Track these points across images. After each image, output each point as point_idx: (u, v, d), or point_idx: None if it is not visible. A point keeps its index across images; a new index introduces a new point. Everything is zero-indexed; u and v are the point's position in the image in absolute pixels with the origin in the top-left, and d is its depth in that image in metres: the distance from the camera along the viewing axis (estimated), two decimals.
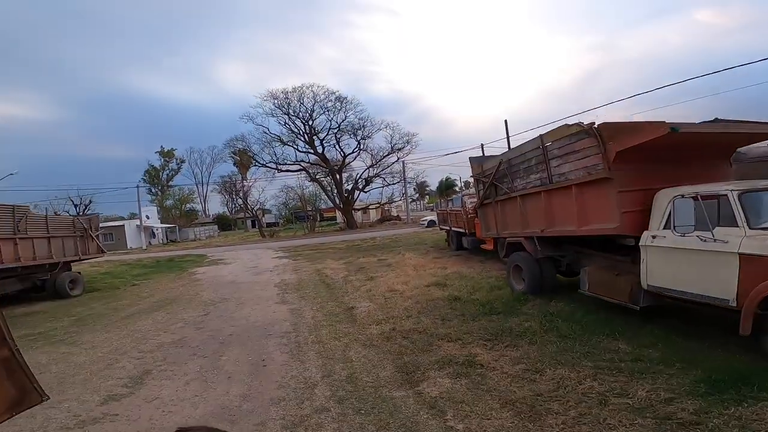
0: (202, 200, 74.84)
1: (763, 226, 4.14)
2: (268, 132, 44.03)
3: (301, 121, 43.66)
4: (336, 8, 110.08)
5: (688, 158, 5.66)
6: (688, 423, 3.08)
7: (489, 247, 12.43)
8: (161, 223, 56.58)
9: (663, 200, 5.00)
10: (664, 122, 4.81)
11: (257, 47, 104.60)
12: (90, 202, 49.86)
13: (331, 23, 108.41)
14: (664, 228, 4.90)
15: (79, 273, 14.61)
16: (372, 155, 45.15)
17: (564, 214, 6.59)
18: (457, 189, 55.28)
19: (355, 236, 32.14)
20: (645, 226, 5.17)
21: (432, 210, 50.47)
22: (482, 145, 30.17)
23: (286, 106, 42.71)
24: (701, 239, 4.31)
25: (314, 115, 43.29)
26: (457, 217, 15.85)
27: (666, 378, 3.87)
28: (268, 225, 56.38)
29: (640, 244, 5.13)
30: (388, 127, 44.50)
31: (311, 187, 50.63)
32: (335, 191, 46.21)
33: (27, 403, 2.03)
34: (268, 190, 63.16)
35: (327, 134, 44.09)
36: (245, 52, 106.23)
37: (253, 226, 58.43)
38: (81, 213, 43.48)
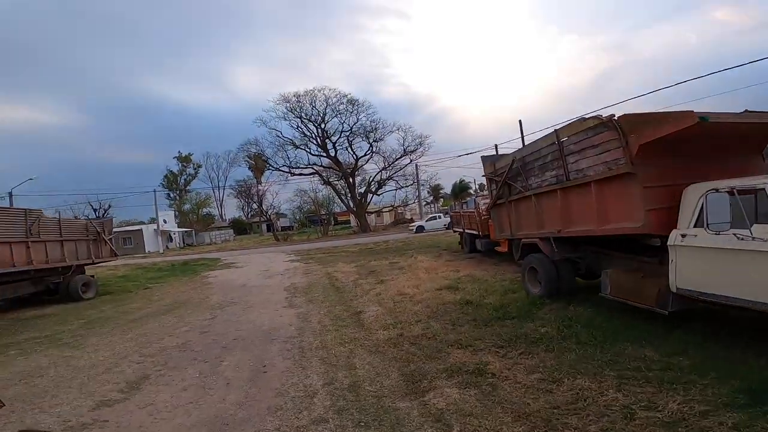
0: (218, 205, 75.87)
1: None
2: (280, 136, 44.37)
3: (314, 125, 43.87)
4: (347, 11, 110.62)
5: (717, 151, 5.24)
6: None
7: (503, 249, 12.01)
8: (178, 227, 57.41)
9: (693, 196, 4.59)
10: (691, 112, 4.43)
11: (270, 52, 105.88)
12: (109, 206, 50.89)
13: (342, 27, 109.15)
14: (694, 226, 4.49)
15: (93, 276, 14.68)
16: (384, 158, 45.05)
17: (582, 212, 6.21)
18: (471, 192, 54.70)
19: (368, 239, 31.93)
20: (672, 225, 4.76)
21: (445, 213, 50.02)
22: (496, 145, 29.60)
23: (298, 110, 43.00)
24: (738, 237, 3.90)
25: (326, 118, 43.48)
26: (470, 219, 15.48)
27: (700, 389, 3.49)
28: (283, 229, 56.70)
29: (668, 243, 4.72)
30: (400, 130, 44.38)
31: (324, 191, 50.73)
32: (348, 194, 46.14)
33: None
34: (282, 194, 63.57)
35: (339, 137, 44.20)
36: (258, 56, 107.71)
37: (268, 230, 58.77)
38: (99, 217, 44.31)
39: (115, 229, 42.80)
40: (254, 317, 8.47)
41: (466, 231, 16.09)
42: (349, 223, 55.90)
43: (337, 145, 44.57)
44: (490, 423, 3.28)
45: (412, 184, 46.21)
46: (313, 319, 7.81)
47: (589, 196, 5.94)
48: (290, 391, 4.38)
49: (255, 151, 47.24)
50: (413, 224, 38.43)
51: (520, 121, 28.60)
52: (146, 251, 45.00)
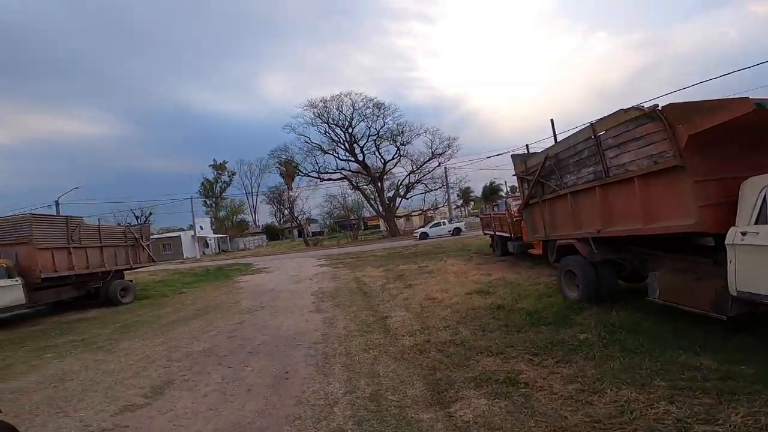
0: (251, 211, 77.80)
1: None
2: (309, 141, 45.02)
3: (341, 129, 44.26)
4: (370, 16, 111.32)
5: None
6: None
7: (537, 251, 11.47)
8: (214, 233, 59.27)
9: (753, 190, 4.10)
10: (747, 98, 3.98)
11: (297, 58, 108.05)
12: (150, 214, 53.17)
13: (366, 31, 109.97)
14: (756, 223, 4.00)
15: (131, 281, 15.18)
16: (412, 161, 44.81)
17: (625, 210, 5.73)
18: (502, 194, 53.48)
19: (397, 244, 31.69)
20: (729, 222, 4.27)
21: (476, 216, 49.04)
22: (527, 145, 28.66)
23: (325, 115, 43.54)
24: None
25: (353, 122, 43.77)
26: (502, 221, 14.97)
27: (766, 399, 3.07)
28: (314, 234, 57.44)
29: (726, 242, 4.22)
30: (427, 132, 44.04)
31: (353, 196, 50.99)
32: (377, 199, 46.14)
33: None
34: (312, 199, 64.47)
35: (367, 141, 44.36)
36: (286, 63, 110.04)
37: (299, 235, 59.69)
38: (140, 224, 46.34)
39: (155, 236, 44.75)
40: (281, 322, 8.40)
41: (498, 233, 15.58)
42: (379, 228, 55.95)
43: (364, 149, 44.82)
44: None
45: (441, 187, 45.71)
46: (338, 324, 7.64)
47: (632, 192, 5.47)
48: (310, 399, 4.20)
49: (285, 157, 48.17)
50: (417, 231, 37.72)
51: (551, 120, 27.62)
52: (184, 257, 46.65)
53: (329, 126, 44.18)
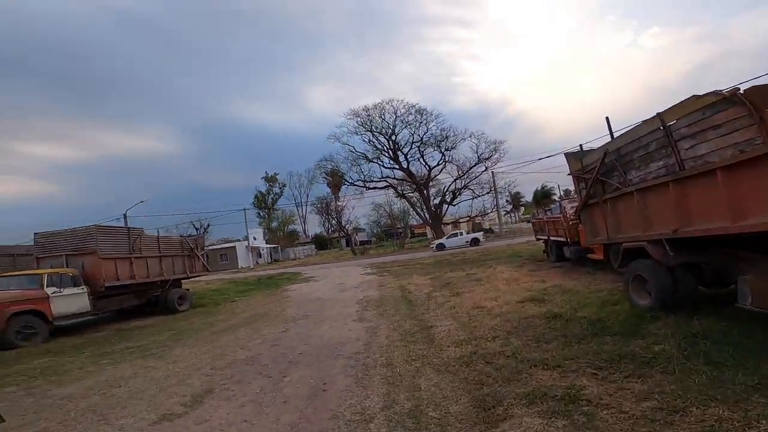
0: (301, 221, 80.00)
1: None
2: (353, 150, 45.41)
3: (384, 137, 44.30)
4: (407, 24, 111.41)
5: None
6: None
7: (598, 256, 10.51)
8: (266, 243, 61.48)
9: None
10: None
11: (339, 69, 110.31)
12: (208, 225, 56.13)
13: (404, 39, 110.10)
14: None
15: (188, 290, 15.84)
16: (458, 166, 43.88)
17: (706, 207, 4.95)
18: (555, 198, 50.90)
19: (445, 251, 30.95)
20: None
21: (528, 221, 47.01)
22: (581, 145, 26.91)
23: (368, 123, 43.79)
24: None
25: (396, 129, 43.69)
26: (556, 225, 14.04)
27: None
28: (361, 243, 57.85)
29: None
30: (472, 137, 42.99)
31: (399, 204, 50.79)
32: (423, 206, 45.59)
33: None
34: (360, 209, 65.17)
35: (411, 148, 44.06)
36: (328, 75, 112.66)
37: (347, 245, 60.40)
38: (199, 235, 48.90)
39: (213, 247, 47.07)
40: (324, 331, 8.24)
41: (552, 238, 14.62)
42: (426, 236, 55.22)
43: (408, 156, 44.54)
44: None
45: (488, 192, 44.30)
46: (381, 333, 7.33)
47: (714, 186, 4.72)
48: (346, 414, 3.91)
49: (330, 167, 48.99)
50: (433, 243, 37.97)
51: (606, 117, 25.74)
52: (239, 266, 48.66)
53: (372, 134, 44.48)
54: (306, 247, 65.72)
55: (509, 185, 46.72)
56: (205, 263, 17.39)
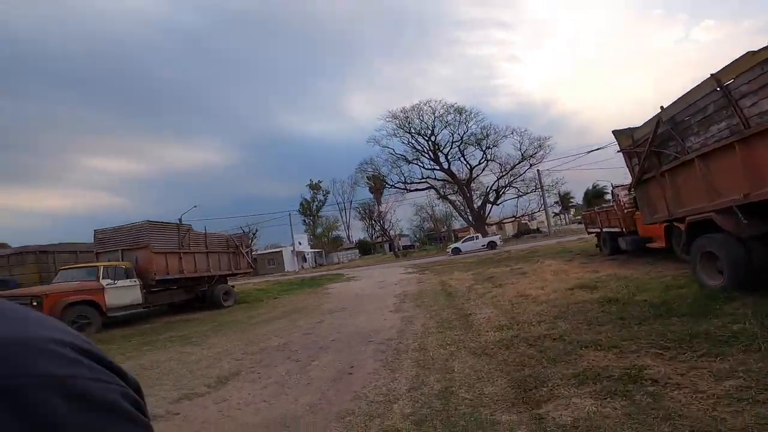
0: (345, 227, 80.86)
1: None
2: (393, 152, 44.87)
3: (423, 138, 43.40)
4: (443, 28, 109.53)
5: None
6: None
7: (659, 244, 9.47)
8: (311, 248, 62.65)
9: None
10: None
11: (377, 77, 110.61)
12: (256, 230, 57.95)
13: (441, 43, 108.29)
14: None
15: (233, 286, 16.20)
16: (500, 164, 42.19)
17: None
18: (608, 197, 47.81)
19: (489, 252, 29.89)
20: None
21: (578, 223, 44.41)
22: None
23: (407, 125, 43.17)
24: None
25: (435, 130, 42.66)
26: (609, 215, 12.95)
27: None
28: (404, 248, 57.37)
29: None
30: (514, 133, 41.17)
31: (441, 206, 49.81)
32: (466, 207, 44.36)
33: None
34: (403, 214, 64.68)
35: (451, 148, 42.87)
36: (367, 83, 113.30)
37: (390, 249, 60.19)
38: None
39: (260, 251, 48.58)
40: (359, 321, 7.98)
41: (605, 230, 13.49)
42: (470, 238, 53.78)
43: (449, 156, 43.37)
44: None
45: (534, 190, 42.15)
46: (417, 322, 6.94)
47: None
48: (369, 395, 3.58)
49: (371, 170, 48.80)
50: (450, 247, 37.66)
51: (661, 107, 23.80)
52: (285, 270, 49.84)
53: (412, 135, 43.78)
54: (349, 252, 66.29)
55: (557, 183, 44.09)
56: (250, 261, 17.73)
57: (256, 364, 5.49)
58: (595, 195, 53.36)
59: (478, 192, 45.01)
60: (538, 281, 9.22)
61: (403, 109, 43.01)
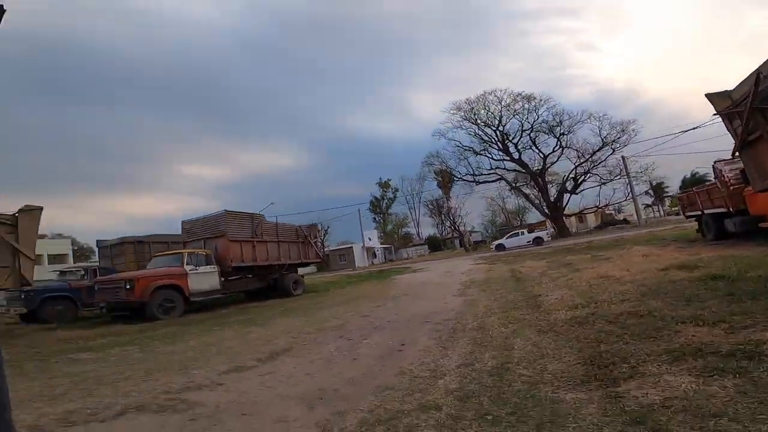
0: (414, 224, 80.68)
1: None
2: (460, 145, 43.23)
3: (491, 128, 41.27)
4: (504, 20, 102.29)
5: None
6: None
7: None
8: (381, 244, 63.39)
9: None
10: None
11: (441, 74, 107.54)
12: (328, 227, 59.90)
13: (504, 36, 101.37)
14: None
15: (302, 276, 16.68)
16: (577, 151, 38.71)
17: None
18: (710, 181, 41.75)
19: (568, 242, 27.71)
20: None
21: (675, 214, 39.35)
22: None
23: (473, 116, 41.37)
24: None
25: (503, 120, 40.34)
26: (711, 194, 11.09)
27: None
28: (475, 243, 55.63)
29: None
30: (591, 118, 37.46)
31: (513, 200, 47.19)
32: (540, 198, 41.55)
33: None
34: (474, 209, 62.61)
35: (521, 137, 40.25)
36: (431, 81, 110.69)
37: (461, 245, 58.73)
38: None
39: (332, 248, 50.16)
40: (420, 305, 7.65)
41: (707, 212, 11.61)
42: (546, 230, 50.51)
43: (519, 146, 40.77)
44: None
45: (618, 178, 38.07)
46: (480, 304, 6.43)
47: None
48: (415, 371, 3.23)
49: (437, 163, 47.58)
50: (494, 243, 35.78)
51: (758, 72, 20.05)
52: (356, 266, 50.96)
53: (478, 127, 41.91)
54: (418, 247, 65.93)
55: (647, 169, 39.16)
56: (318, 251, 18.17)
57: (310, 342, 5.40)
58: (693, 183, 46.96)
59: (554, 183, 41.92)
60: (623, 264, 8.12)
61: (468, 100, 41.15)
